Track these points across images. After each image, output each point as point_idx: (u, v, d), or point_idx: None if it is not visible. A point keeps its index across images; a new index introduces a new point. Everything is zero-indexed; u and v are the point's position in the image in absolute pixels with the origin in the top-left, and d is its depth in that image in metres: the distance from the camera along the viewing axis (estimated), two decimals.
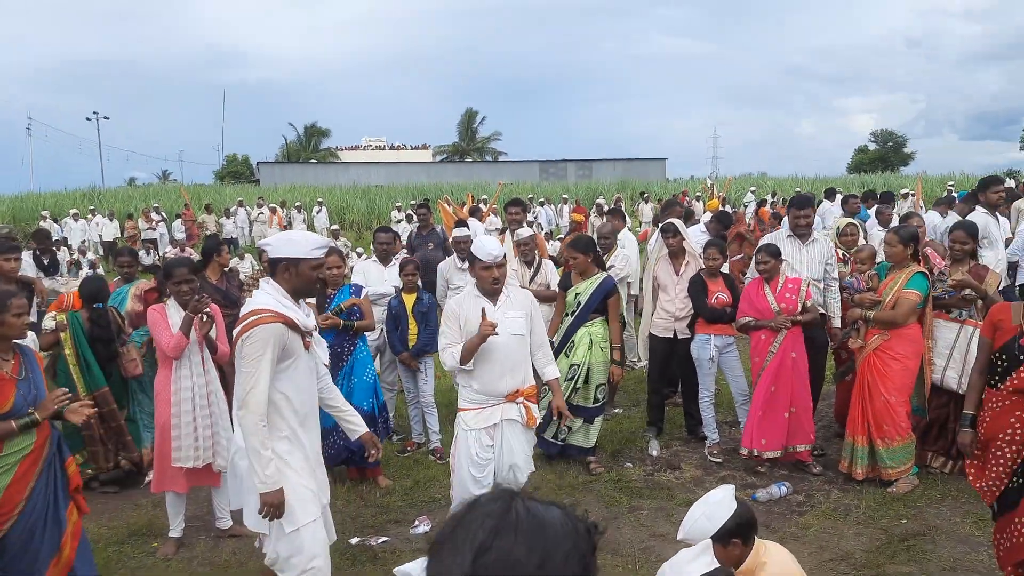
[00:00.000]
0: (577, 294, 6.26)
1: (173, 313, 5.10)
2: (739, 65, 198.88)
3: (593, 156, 49.65)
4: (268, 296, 3.58)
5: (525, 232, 7.16)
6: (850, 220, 6.85)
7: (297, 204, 26.74)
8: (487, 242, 4.54)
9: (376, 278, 7.02)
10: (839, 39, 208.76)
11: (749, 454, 5.97)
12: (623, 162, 47.89)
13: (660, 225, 6.94)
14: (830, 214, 12.01)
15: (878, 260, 6.39)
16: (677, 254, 6.74)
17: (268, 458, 3.42)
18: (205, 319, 5.11)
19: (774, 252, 6.00)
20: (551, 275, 7.05)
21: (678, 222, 6.92)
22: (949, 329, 5.73)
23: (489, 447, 4.50)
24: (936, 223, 8.73)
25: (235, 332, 3.54)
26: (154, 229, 23.80)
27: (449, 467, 4.77)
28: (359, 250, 17.80)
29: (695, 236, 7.44)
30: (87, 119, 55.70)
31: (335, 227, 21.58)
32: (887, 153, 64.64)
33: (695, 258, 6.72)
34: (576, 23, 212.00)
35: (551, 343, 6.60)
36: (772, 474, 6.04)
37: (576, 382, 6.14)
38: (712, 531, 3.13)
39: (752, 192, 28.72)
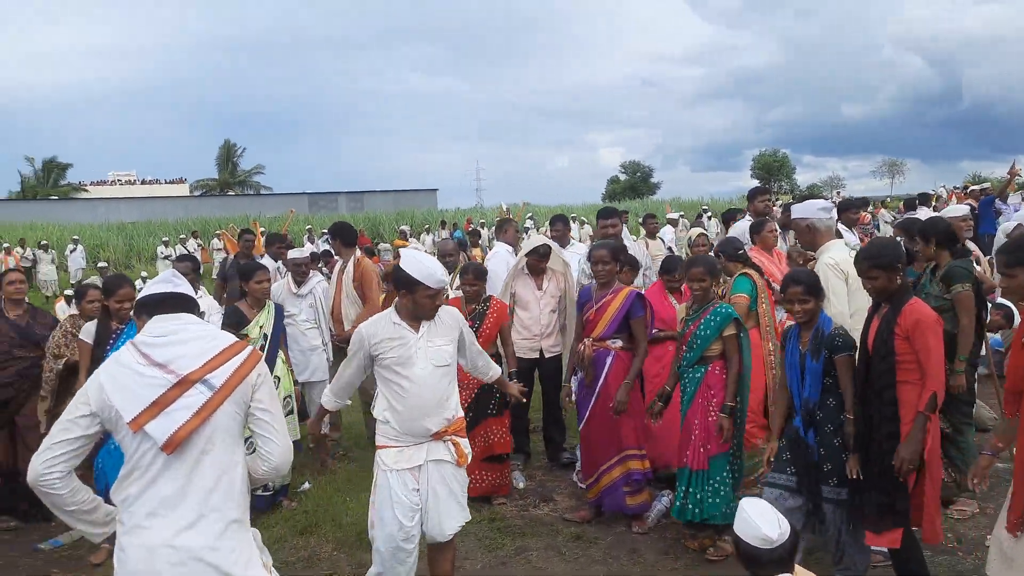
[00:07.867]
0: (260, 326, 5.77)
1: None
2: (494, 104, 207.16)
3: (365, 188, 48.89)
4: None
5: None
6: (701, 231, 6.77)
7: (43, 243, 23.79)
8: (430, 263, 3.81)
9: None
10: (586, 80, 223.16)
11: None
12: (395, 193, 47.53)
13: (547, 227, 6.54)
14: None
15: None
16: (539, 269, 6.17)
17: None
18: None
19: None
20: None
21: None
22: None
23: (415, 491, 3.81)
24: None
25: None
26: None
27: (368, 520, 3.94)
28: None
29: (503, 257, 7.16)
30: None
31: (102, 264, 19.42)
32: (636, 182, 69.18)
33: (563, 273, 6.27)
34: (321, 59, 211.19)
35: None
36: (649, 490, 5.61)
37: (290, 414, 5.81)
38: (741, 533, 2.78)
39: (531, 219, 29.35)
